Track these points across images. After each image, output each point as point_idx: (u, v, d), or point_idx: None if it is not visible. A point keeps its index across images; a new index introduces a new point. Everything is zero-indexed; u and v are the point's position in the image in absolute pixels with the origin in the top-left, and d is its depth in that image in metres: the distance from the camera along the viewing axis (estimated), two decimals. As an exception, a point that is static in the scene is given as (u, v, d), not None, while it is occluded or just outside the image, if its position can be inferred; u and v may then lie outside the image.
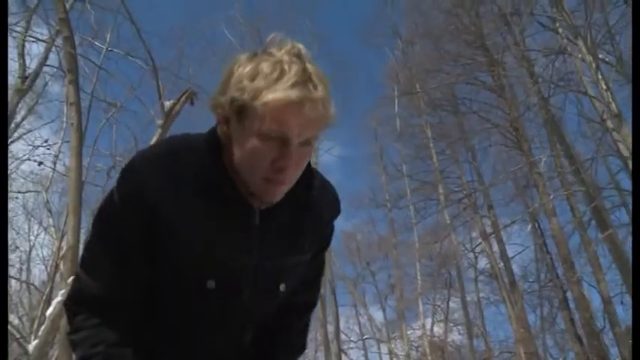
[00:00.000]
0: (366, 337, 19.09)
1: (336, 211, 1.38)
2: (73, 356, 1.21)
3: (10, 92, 12.49)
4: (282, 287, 1.28)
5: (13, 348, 8.69)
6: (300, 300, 1.39)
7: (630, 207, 11.62)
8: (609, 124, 9.22)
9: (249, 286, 1.22)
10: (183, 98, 4.40)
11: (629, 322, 13.38)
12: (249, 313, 1.26)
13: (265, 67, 1.03)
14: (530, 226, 11.98)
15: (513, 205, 14.85)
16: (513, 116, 13.17)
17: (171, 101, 4.43)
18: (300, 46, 1.09)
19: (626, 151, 8.73)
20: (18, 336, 5.73)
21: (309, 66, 1.05)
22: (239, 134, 1.09)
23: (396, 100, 17.39)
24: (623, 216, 12.05)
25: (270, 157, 1.07)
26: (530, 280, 14.13)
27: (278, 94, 1.00)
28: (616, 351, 11.51)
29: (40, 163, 7.95)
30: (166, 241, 1.15)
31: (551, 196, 11.49)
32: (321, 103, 1.05)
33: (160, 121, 4.44)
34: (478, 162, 15.42)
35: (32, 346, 4.76)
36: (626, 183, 11.67)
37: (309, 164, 1.19)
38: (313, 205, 1.26)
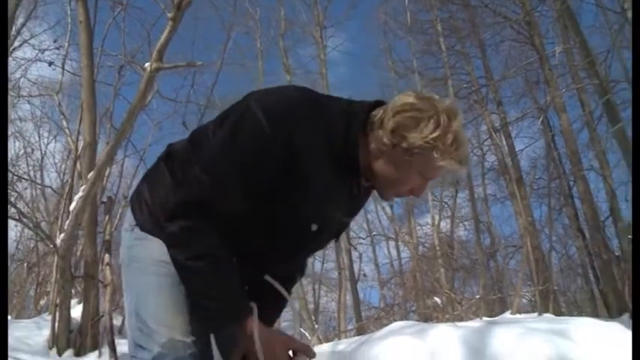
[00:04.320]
0: (374, 233, 19.69)
1: None
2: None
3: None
4: (340, 237, 1.63)
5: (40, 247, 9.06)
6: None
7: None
8: (629, 14, 8.90)
9: (331, 235, 1.56)
10: (193, -12, 4.28)
11: (630, 218, 13.69)
12: (317, 249, 1.60)
13: (449, 138, 1.31)
14: (539, 121, 11.91)
15: (523, 102, 14.74)
16: (526, 9, 12.75)
17: (181, -8, 4.30)
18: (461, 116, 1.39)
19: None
20: (44, 236, 5.93)
21: (466, 139, 1.38)
22: (399, 161, 1.35)
23: (406, -7, 16.80)
24: (634, 113, 11.91)
25: (411, 186, 1.41)
26: (537, 177, 14.27)
27: (454, 165, 1.33)
28: (616, 243, 11.84)
29: (51, 63, 7.83)
30: (294, 182, 1.33)
31: (563, 90, 11.35)
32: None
33: (170, 14, 4.34)
34: (488, 58, 15.11)
35: (60, 239, 4.94)
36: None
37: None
38: None
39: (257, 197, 1.33)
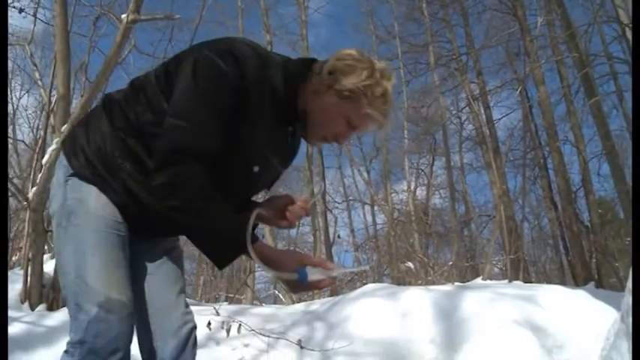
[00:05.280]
0: (350, 198, 19.82)
1: None
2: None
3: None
4: (272, 187, 1.73)
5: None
6: None
7: (618, 80, 11.72)
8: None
9: (266, 183, 1.66)
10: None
11: (602, 193, 14.06)
12: (253, 194, 1.70)
13: (379, 90, 1.43)
14: (517, 92, 11.97)
15: (502, 72, 14.79)
16: (511, -22, 12.68)
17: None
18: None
19: (625, 17, 8.51)
20: (15, 191, 5.80)
21: (393, 100, 1.51)
22: (331, 102, 1.45)
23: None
24: (611, 87, 12.11)
25: (337, 130, 1.51)
26: (513, 147, 14.43)
27: (378, 116, 1.46)
28: (587, 216, 12.11)
29: (22, 10, 7.51)
30: (243, 121, 1.42)
31: (543, 61, 11.39)
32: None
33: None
34: (470, 26, 15.05)
35: (32, 192, 4.85)
36: (619, 54, 11.60)
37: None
38: None
39: (224, 136, 1.38)
